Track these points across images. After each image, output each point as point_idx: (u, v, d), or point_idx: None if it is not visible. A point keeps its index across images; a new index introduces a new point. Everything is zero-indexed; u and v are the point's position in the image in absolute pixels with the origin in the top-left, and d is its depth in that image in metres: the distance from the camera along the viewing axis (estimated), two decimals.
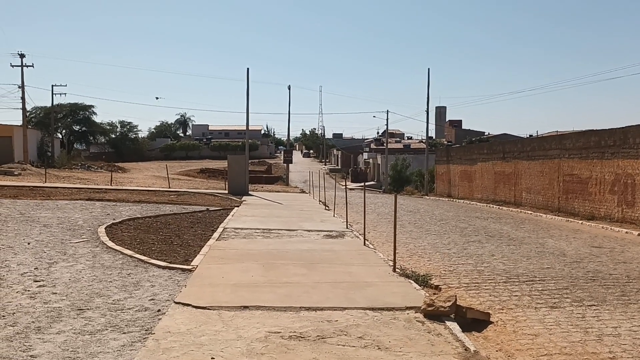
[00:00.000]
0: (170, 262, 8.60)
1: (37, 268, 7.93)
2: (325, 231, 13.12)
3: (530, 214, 20.96)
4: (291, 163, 45.71)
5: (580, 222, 17.55)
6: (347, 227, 13.95)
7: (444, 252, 10.97)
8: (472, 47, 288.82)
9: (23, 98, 45.07)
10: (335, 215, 17.12)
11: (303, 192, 32.15)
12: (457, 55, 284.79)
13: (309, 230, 13.17)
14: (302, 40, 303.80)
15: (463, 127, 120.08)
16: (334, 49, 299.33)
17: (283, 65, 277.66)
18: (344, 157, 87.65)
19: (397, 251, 8.80)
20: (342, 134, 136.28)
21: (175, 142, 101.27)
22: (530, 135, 78.03)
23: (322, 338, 5.20)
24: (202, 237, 11.55)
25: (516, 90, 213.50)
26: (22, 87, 44.90)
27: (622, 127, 17.59)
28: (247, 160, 29.01)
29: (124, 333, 5.19)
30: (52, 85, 53.79)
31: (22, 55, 44.59)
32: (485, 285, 7.98)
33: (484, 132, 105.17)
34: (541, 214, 20.37)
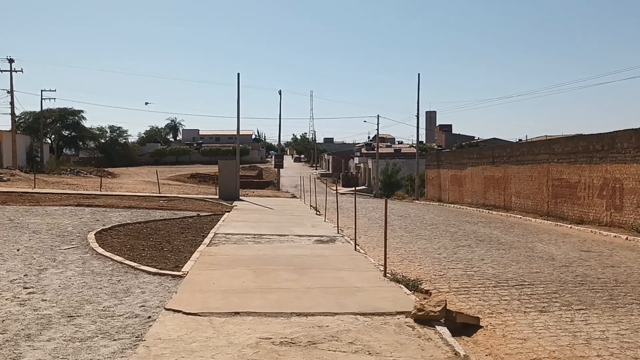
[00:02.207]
0: (160, 269, 8.57)
1: (26, 275, 7.88)
2: (316, 236, 13.14)
3: (520, 218, 21.11)
4: (282, 168, 45.65)
5: (569, 226, 17.71)
6: (338, 232, 13.98)
7: (435, 256, 11.03)
8: (462, 52, 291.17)
9: (12, 103, 44.79)
10: (326, 220, 17.14)
11: (294, 197, 32.12)
12: (447, 60, 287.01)
13: (299, 236, 13.18)
14: (293, 45, 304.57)
15: (453, 131, 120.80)
16: (325, 53, 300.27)
17: (274, 70, 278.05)
18: (335, 162, 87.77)
19: (387, 256, 8.84)
20: (333, 138, 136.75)
21: (166, 147, 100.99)
22: (520, 140, 78.45)
23: (313, 344, 5.22)
24: (193, 242, 11.52)
25: (506, 95, 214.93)
26: (11, 92, 44.62)
27: (610, 132, 17.81)
28: (238, 165, 28.91)
29: (115, 340, 5.18)
30: (42, 90, 53.65)
31: (11, 60, 44.33)
32: (475, 290, 8.04)
33: (474, 137, 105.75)
34: (530, 218, 20.52)
